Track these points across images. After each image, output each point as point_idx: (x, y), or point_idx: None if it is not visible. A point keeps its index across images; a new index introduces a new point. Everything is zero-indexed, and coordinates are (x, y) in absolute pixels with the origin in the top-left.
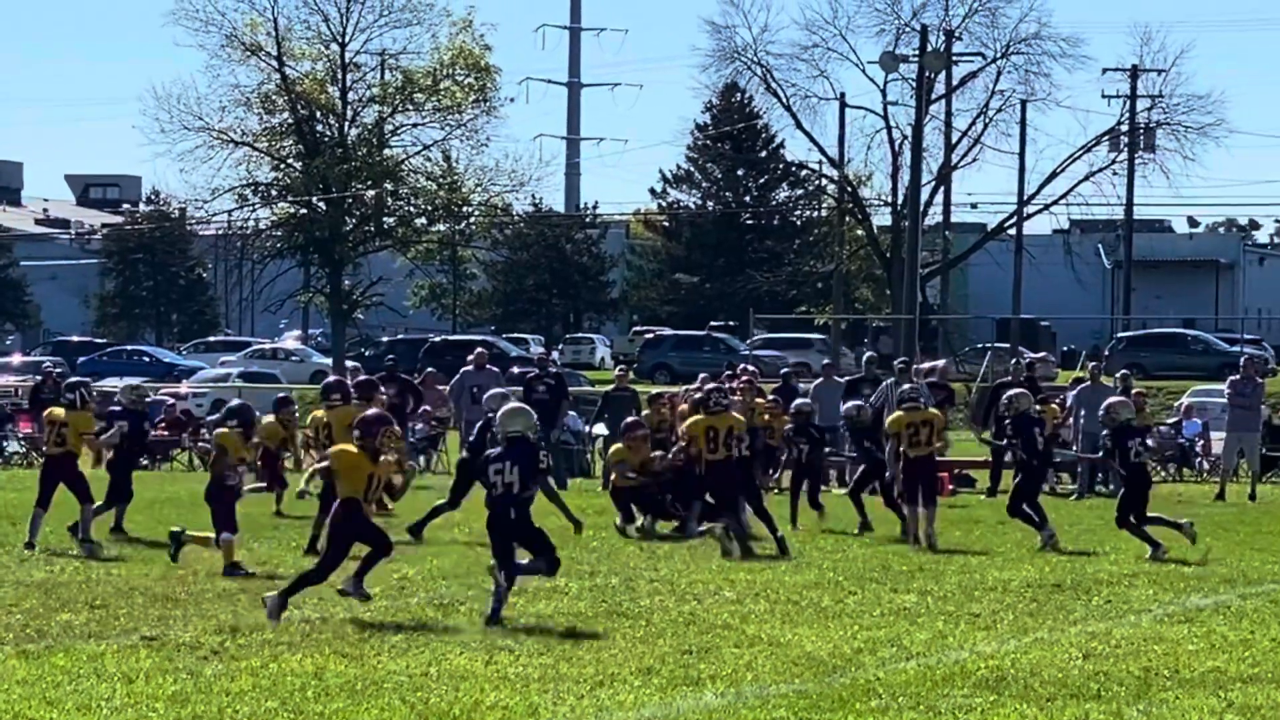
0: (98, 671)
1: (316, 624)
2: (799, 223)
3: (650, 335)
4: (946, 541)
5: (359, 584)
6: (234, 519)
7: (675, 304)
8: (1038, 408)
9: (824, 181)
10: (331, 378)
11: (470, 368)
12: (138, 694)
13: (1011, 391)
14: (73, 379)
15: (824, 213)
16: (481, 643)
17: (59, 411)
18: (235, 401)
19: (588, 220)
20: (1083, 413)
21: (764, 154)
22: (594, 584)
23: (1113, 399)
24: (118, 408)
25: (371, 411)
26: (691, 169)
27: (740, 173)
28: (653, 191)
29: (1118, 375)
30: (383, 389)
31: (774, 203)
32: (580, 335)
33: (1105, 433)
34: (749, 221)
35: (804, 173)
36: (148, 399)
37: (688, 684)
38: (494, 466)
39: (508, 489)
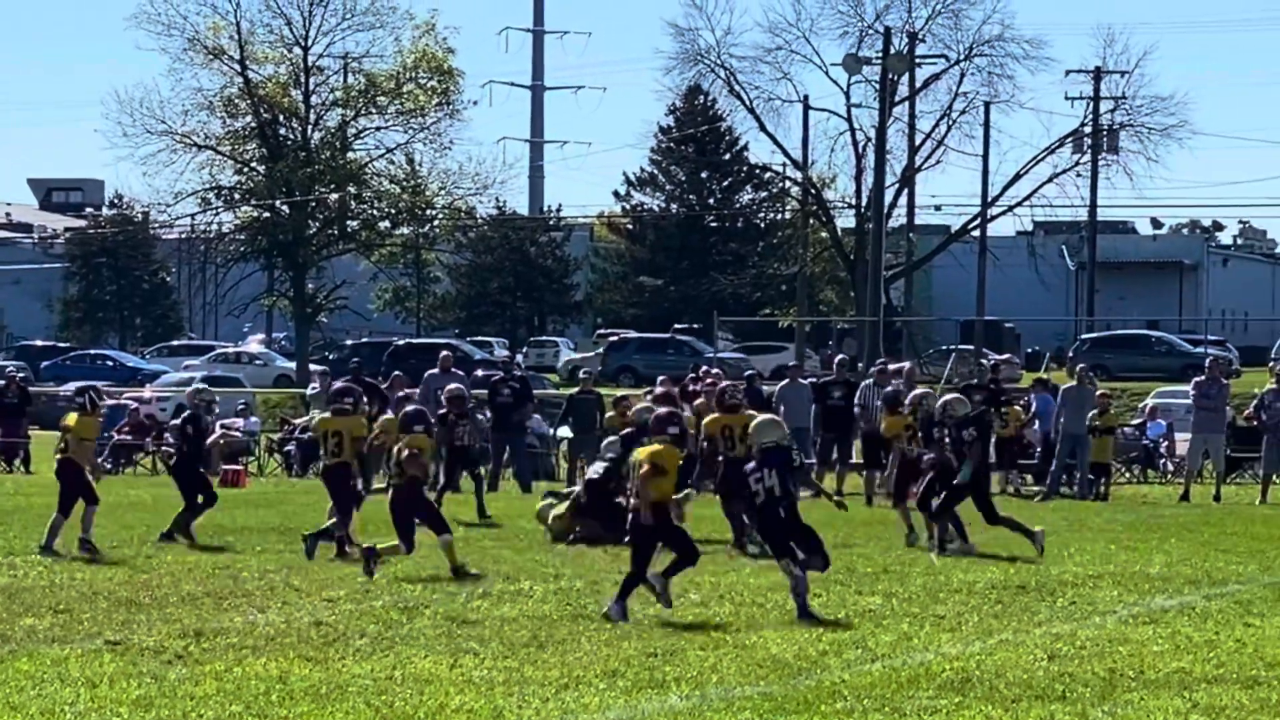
0: (61, 676)
1: (280, 628)
2: (763, 225)
3: (615, 338)
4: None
5: (665, 592)
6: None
7: (639, 307)
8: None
9: (787, 184)
10: (340, 383)
11: (435, 371)
12: (102, 698)
13: (916, 392)
14: (81, 384)
15: (788, 215)
16: (446, 646)
17: (70, 418)
18: (412, 407)
19: (551, 223)
20: (1063, 413)
21: (727, 156)
22: (559, 587)
23: (949, 395)
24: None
25: (665, 410)
26: (655, 172)
27: (704, 175)
28: (616, 194)
29: (1082, 375)
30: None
31: (738, 205)
32: (544, 338)
33: (946, 430)
34: (713, 224)
35: (767, 175)
36: (214, 402)
37: (653, 686)
38: (754, 476)
39: (769, 493)
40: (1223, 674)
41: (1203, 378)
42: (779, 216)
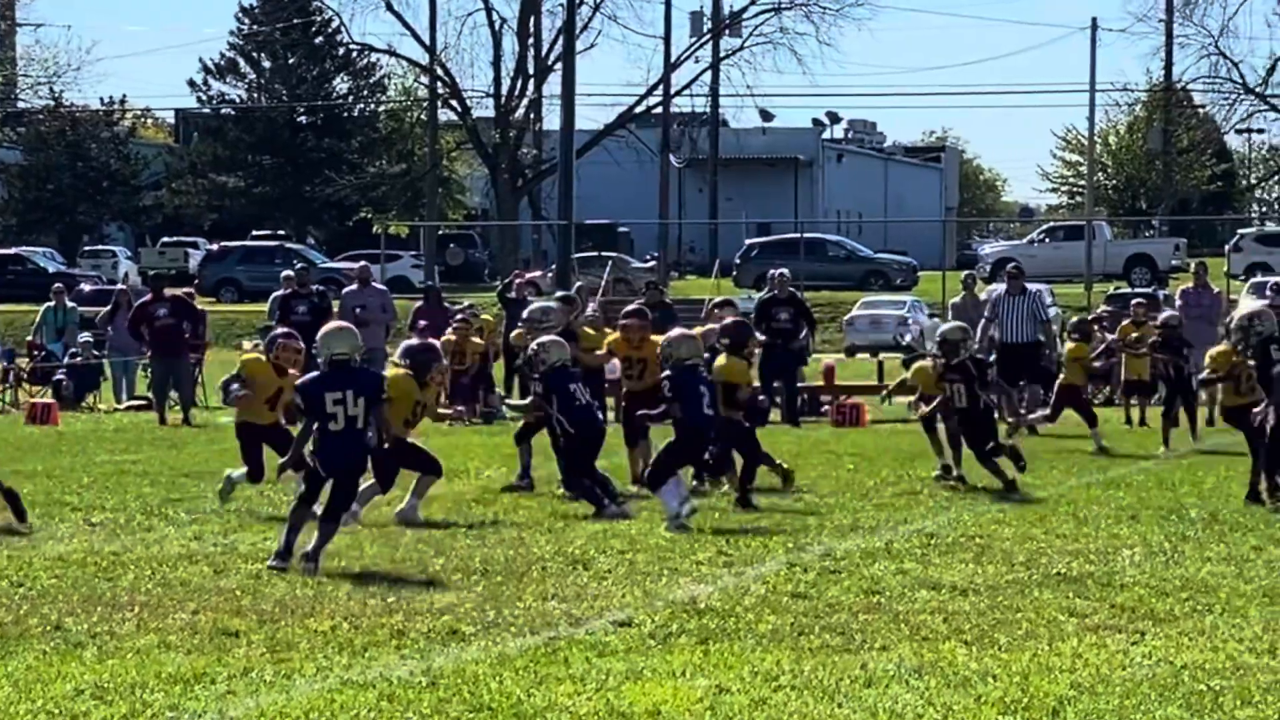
0: None
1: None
2: (365, 117)
3: (215, 248)
4: None
5: None
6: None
7: (218, 211)
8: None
9: (410, 70)
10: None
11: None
12: None
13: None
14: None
15: (393, 107)
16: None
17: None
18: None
19: (116, 117)
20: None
21: (319, 39)
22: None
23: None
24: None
25: None
26: (237, 58)
27: (292, 62)
28: (192, 84)
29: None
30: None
31: (335, 96)
32: (100, 248)
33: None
34: (303, 119)
35: (375, 58)
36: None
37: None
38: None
39: None
40: None
41: (1190, 286)
42: (381, 107)
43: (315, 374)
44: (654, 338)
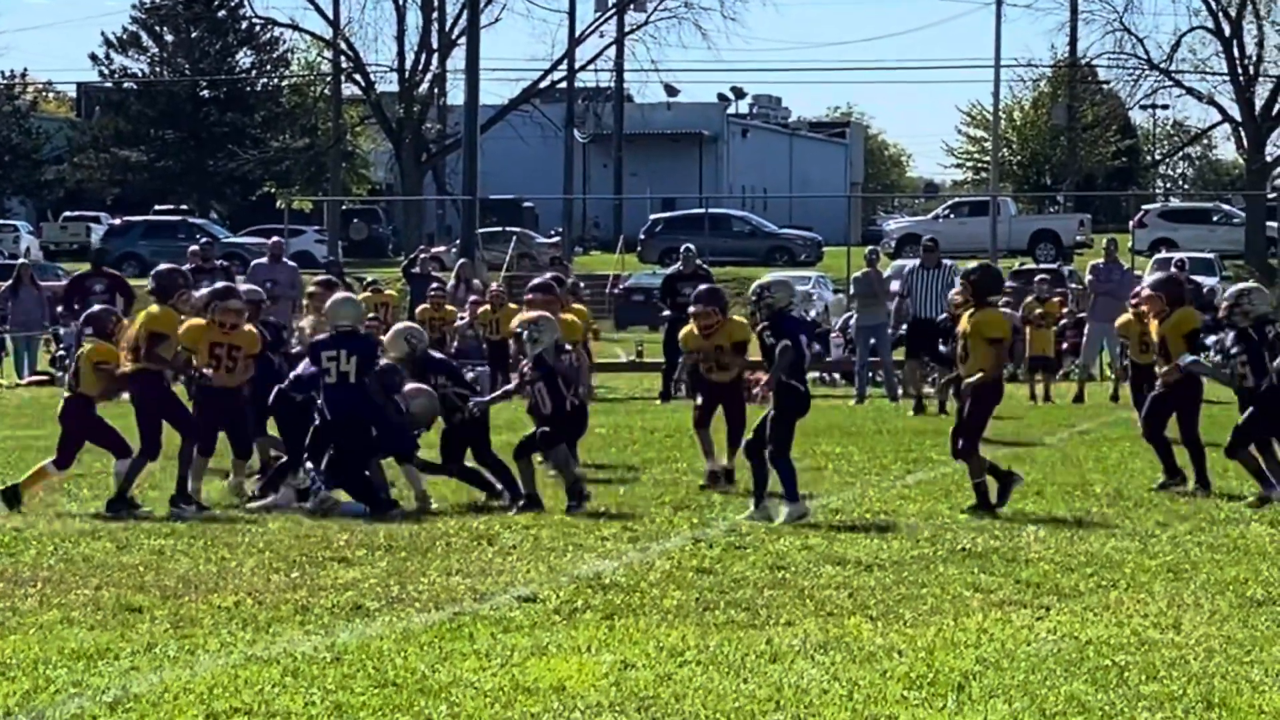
0: None
1: None
2: (267, 90)
3: (117, 222)
4: None
5: None
6: None
7: (121, 185)
8: None
9: (320, 46)
10: None
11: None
12: None
13: None
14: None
15: (296, 81)
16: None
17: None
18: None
19: (17, 91)
20: None
21: (222, 13)
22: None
23: None
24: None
25: None
26: (139, 31)
27: (195, 35)
28: (94, 58)
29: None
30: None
31: (237, 70)
32: (1, 223)
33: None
34: (206, 93)
35: (279, 32)
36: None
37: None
38: None
39: None
40: None
41: (1101, 261)
42: (284, 82)
43: (322, 337)
44: (574, 308)
